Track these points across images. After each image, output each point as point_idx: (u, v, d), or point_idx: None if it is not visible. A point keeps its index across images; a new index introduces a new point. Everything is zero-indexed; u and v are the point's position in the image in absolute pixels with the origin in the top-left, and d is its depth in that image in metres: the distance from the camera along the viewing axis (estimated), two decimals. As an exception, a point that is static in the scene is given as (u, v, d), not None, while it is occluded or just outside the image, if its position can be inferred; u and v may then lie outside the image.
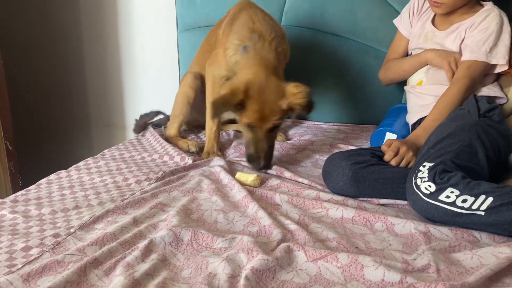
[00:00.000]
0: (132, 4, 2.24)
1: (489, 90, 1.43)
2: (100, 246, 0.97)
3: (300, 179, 1.34)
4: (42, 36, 2.41)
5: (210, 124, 1.56)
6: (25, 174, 2.00)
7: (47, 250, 0.96)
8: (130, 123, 2.45)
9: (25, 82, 2.48)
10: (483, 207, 0.99)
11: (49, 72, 2.48)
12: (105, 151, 1.59)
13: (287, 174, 1.38)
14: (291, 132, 1.80)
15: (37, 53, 2.45)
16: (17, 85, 2.35)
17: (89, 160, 1.48)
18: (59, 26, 2.37)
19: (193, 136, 1.80)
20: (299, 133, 1.76)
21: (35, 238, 1.00)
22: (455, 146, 1.14)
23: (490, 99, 1.38)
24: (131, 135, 2.40)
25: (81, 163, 1.46)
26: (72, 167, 1.42)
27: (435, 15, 1.56)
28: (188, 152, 1.58)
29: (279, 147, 1.60)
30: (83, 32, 2.36)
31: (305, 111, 1.36)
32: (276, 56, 1.40)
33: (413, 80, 1.59)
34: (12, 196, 1.22)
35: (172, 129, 1.70)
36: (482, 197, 1.00)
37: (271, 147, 1.40)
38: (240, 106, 1.32)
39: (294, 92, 1.32)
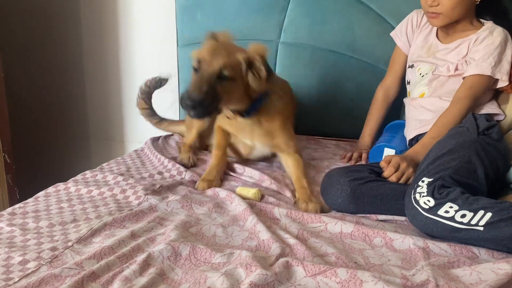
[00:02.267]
0: (133, 18, 2.26)
1: (487, 108, 1.44)
2: (98, 259, 0.96)
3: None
4: (42, 50, 2.43)
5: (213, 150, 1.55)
6: (22, 187, 1.99)
7: (44, 263, 0.95)
8: (129, 137, 2.46)
9: (24, 95, 2.49)
10: (482, 222, 0.99)
11: (48, 85, 2.48)
12: (104, 164, 1.59)
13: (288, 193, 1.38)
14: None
15: (37, 66, 2.46)
16: (16, 98, 2.35)
17: (87, 173, 1.48)
18: (59, 40, 2.39)
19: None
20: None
21: (32, 251, 0.99)
22: (454, 163, 1.15)
23: (489, 116, 1.39)
24: (129, 149, 2.40)
25: (78, 176, 1.45)
26: (70, 180, 1.41)
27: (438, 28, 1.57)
28: (184, 165, 1.56)
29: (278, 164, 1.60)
30: (83, 46, 2.37)
31: (261, 70, 1.31)
32: None
33: (414, 93, 1.58)
34: (9, 209, 1.21)
35: (189, 136, 1.69)
36: (481, 212, 1.00)
37: (213, 96, 1.25)
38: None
39: (255, 47, 1.34)
